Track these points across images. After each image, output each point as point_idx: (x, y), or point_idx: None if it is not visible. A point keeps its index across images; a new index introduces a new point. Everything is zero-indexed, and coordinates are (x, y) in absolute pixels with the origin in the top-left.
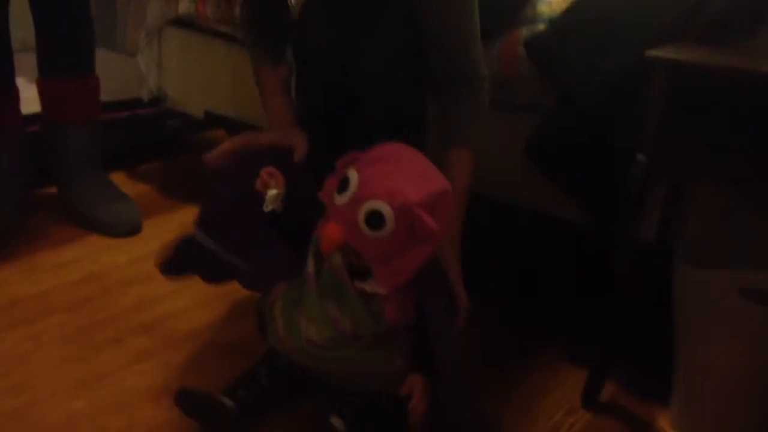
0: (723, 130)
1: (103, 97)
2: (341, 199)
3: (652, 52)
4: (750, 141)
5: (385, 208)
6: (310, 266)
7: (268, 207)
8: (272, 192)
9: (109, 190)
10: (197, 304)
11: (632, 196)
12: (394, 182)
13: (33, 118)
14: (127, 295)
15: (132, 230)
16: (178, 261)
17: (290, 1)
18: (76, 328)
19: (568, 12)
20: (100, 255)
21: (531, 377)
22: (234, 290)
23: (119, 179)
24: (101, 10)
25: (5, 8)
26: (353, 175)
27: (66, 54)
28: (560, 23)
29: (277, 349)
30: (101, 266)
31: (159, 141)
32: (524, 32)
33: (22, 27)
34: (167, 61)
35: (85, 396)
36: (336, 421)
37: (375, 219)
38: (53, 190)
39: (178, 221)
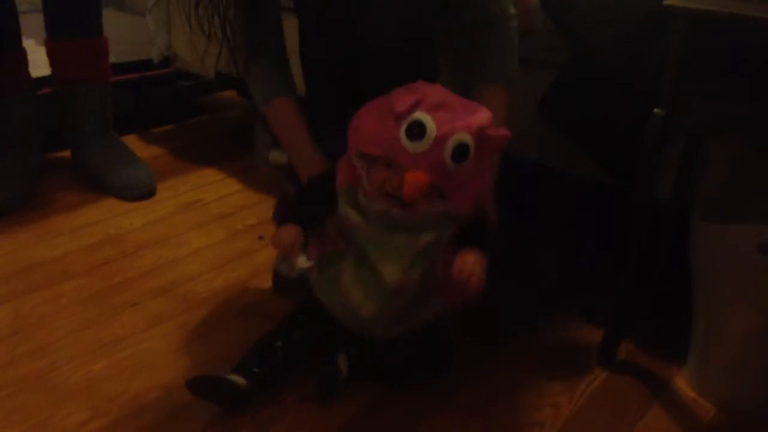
0: (743, 79)
1: (113, 58)
2: (420, 145)
3: (670, 1)
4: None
5: (469, 139)
6: (354, 216)
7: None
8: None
9: (122, 153)
10: (213, 267)
11: (650, 151)
12: (462, 117)
13: (44, 80)
14: (143, 258)
15: (147, 193)
16: None
17: None
18: (94, 291)
19: None
20: (116, 218)
21: (547, 336)
22: (250, 252)
23: (131, 142)
24: None
25: None
26: (426, 118)
27: (73, 15)
28: None
29: (343, 322)
30: (117, 230)
31: (170, 102)
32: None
33: None
34: (176, 20)
35: (104, 359)
36: (341, 360)
37: (461, 151)
38: (66, 153)
39: (192, 183)
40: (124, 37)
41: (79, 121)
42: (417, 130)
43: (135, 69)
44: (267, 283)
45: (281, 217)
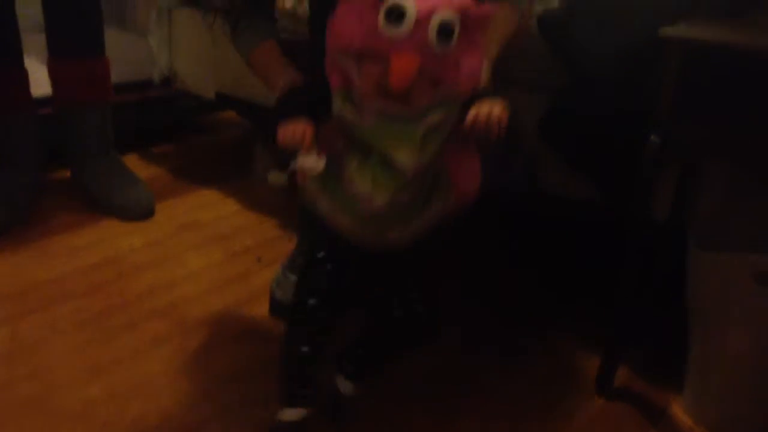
0: (738, 108)
1: (114, 78)
2: (399, 29)
3: (666, 31)
4: (765, 118)
5: (452, 15)
6: (351, 113)
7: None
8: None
9: (122, 173)
10: (211, 289)
11: (645, 176)
12: None
13: (45, 100)
14: (141, 280)
15: (145, 214)
16: None
17: None
18: (91, 313)
19: None
20: (114, 239)
21: (544, 363)
22: (248, 275)
23: (131, 161)
24: None
25: None
26: (405, 0)
27: (75, 35)
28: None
29: (333, 222)
30: (115, 250)
31: (170, 122)
32: (537, 7)
33: (35, 6)
34: (177, 42)
35: (100, 381)
36: (341, 382)
37: (447, 30)
38: (66, 173)
39: (190, 204)
40: (126, 56)
41: (79, 141)
42: (396, 14)
43: (136, 89)
44: (264, 306)
45: (284, 113)
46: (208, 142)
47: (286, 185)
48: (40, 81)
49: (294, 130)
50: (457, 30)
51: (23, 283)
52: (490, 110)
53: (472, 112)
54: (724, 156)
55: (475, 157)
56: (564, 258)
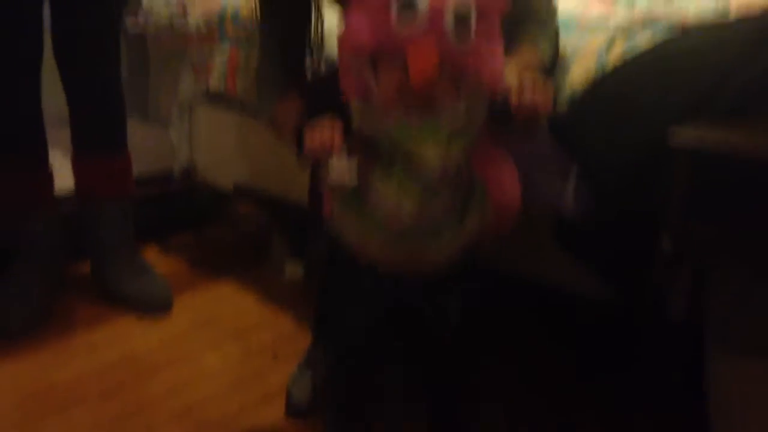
0: (751, 212)
1: (136, 170)
2: (413, 24)
3: (673, 135)
4: None
5: (468, 4)
6: (368, 126)
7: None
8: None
9: (140, 268)
10: (228, 389)
11: (659, 278)
12: None
13: (68, 195)
14: (157, 381)
15: (163, 308)
16: None
17: None
18: (108, 417)
19: (588, 91)
20: (132, 336)
21: None
22: (264, 373)
23: (150, 253)
24: (133, 79)
25: (37, 91)
26: None
27: (100, 132)
28: (581, 103)
29: (364, 252)
30: (133, 348)
31: (190, 214)
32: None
33: (61, 98)
34: (198, 135)
35: None
36: None
37: (463, 19)
38: (86, 266)
39: (208, 297)
40: (147, 148)
41: (100, 235)
42: (409, 6)
43: (157, 182)
44: (280, 406)
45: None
46: (226, 232)
47: (302, 278)
48: (63, 175)
49: (322, 133)
50: (474, 19)
51: (40, 384)
52: (534, 82)
53: (514, 85)
54: (738, 259)
55: (510, 165)
56: (581, 355)
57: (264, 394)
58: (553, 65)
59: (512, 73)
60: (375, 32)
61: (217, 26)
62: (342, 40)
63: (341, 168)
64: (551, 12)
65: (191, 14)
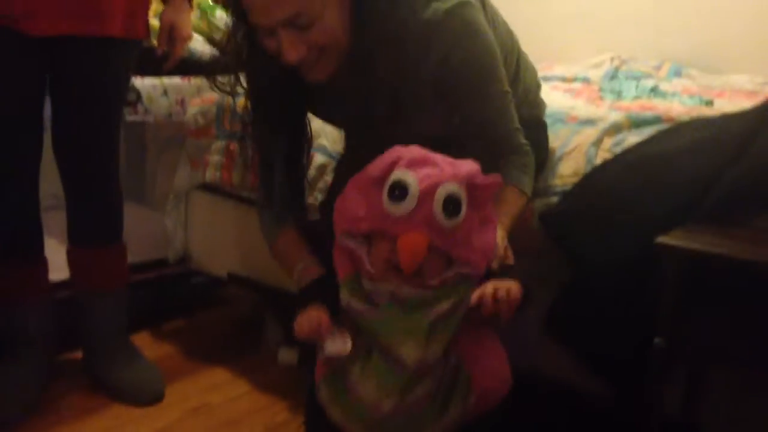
0: (739, 314)
1: (130, 257)
2: (404, 206)
3: (661, 240)
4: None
5: (457, 189)
6: (359, 304)
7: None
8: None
9: (132, 358)
10: None
11: (653, 377)
12: (445, 169)
13: (62, 283)
14: None
15: (154, 399)
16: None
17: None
18: None
19: (579, 186)
20: (123, 427)
21: None
22: None
23: (143, 339)
24: (131, 164)
25: (35, 181)
26: (406, 174)
27: (96, 226)
28: (573, 198)
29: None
30: None
31: (183, 299)
32: (537, 204)
33: (56, 182)
34: (193, 223)
35: None
36: None
37: (453, 203)
38: (78, 353)
39: (200, 384)
40: (143, 233)
41: (93, 326)
42: (399, 191)
43: (151, 268)
44: None
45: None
46: (219, 317)
47: (296, 363)
48: (57, 263)
49: (309, 320)
50: (464, 202)
51: None
52: (496, 290)
53: (477, 292)
54: (730, 361)
55: (498, 349)
56: None
57: None
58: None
59: (501, 243)
60: (369, 213)
61: (214, 120)
62: (337, 216)
63: (334, 342)
64: (518, 138)
65: (189, 108)
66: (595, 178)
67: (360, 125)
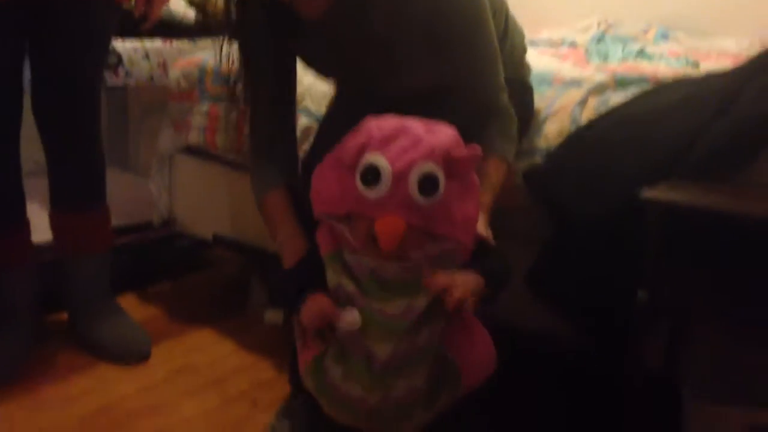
0: (722, 267)
1: (115, 220)
2: (378, 190)
3: (646, 193)
4: (748, 278)
5: (434, 167)
6: (349, 286)
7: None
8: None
9: (117, 318)
10: None
11: (636, 330)
12: (420, 144)
13: (45, 246)
14: (136, 430)
15: (140, 358)
16: None
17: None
18: None
19: (564, 146)
20: (109, 385)
21: None
22: (243, 420)
23: (128, 301)
24: (114, 130)
25: (15, 146)
26: (377, 158)
27: (77, 189)
28: (557, 157)
29: (338, 419)
30: (110, 398)
31: (168, 262)
32: (521, 164)
33: (39, 148)
34: (177, 187)
35: None
36: None
37: (429, 182)
38: (64, 315)
39: (186, 345)
40: (126, 198)
41: (77, 287)
42: (371, 175)
43: (135, 231)
44: None
45: (294, 294)
46: (204, 279)
47: (281, 323)
48: (40, 227)
49: (314, 310)
50: (441, 179)
51: None
52: (448, 282)
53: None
54: (711, 315)
55: (482, 331)
56: (558, 402)
57: None
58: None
59: (482, 223)
60: (344, 197)
61: (197, 83)
62: (314, 199)
63: (345, 319)
64: (503, 99)
65: (171, 70)
66: (580, 136)
67: (351, 77)
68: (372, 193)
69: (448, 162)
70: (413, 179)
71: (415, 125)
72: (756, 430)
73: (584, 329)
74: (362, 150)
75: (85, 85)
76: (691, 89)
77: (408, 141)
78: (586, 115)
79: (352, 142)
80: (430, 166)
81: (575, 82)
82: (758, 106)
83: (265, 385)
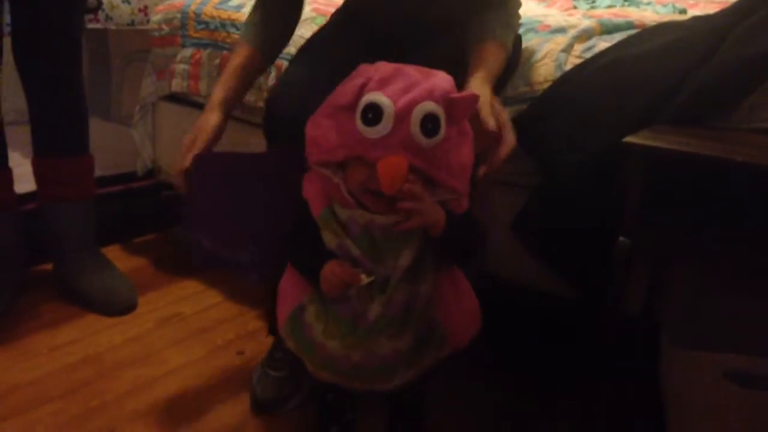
0: (702, 213)
1: (98, 170)
2: (379, 129)
3: (627, 139)
4: (729, 223)
5: (435, 107)
6: (354, 249)
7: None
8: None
9: (103, 268)
10: (192, 386)
11: (617, 276)
12: (419, 85)
13: (29, 195)
14: (122, 379)
15: (126, 308)
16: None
17: None
18: (70, 416)
19: (548, 93)
20: (96, 335)
21: None
22: (229, 369)
23: (113, 252)
24: (96, 79)
25: None
26: (378, 96)
27: (61, 134)
28: (541, 104)
29: (319, 377)
30: (96, 348)
31: (153, 212)
32: (508, 112)
33: (20, 97)
34: (161, 135)
35: None
36: None
37: (431, 122)
38: (49, 266)
39: (172, 296)
40: (110, 147)
41: (62, 236)
42: (372, 113)
43: (119, 181)
44: (245, 403)
45: (305, 264)
46: None
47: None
48: (23, 175)
49: (338, 279)
50: (443, 121)
51: (4, 384)
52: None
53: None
54: (691, 259)
55: (468, 290)
56: (541, 350)
57: (229, 391)
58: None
59: (485, 105)
60: (344, 141)
61: (180, 28)
62: (311, 148)
63: (363, 280)
64: None
65: (153, 15)
66: (565, 83)
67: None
68: (373, 133)
69: (448, 103)
70: (415, 119)
71: (411, 69)
72: (731, 375)
73: (568, 276)
74: (361, 90)
75: (65, 26)
76: (678, 33)
77: (407, 81)
78: (572, 61)
79: (349, 83)
80: (432, 106)
81: (561, 30)
82: (742, 49)
83: (251, 335)
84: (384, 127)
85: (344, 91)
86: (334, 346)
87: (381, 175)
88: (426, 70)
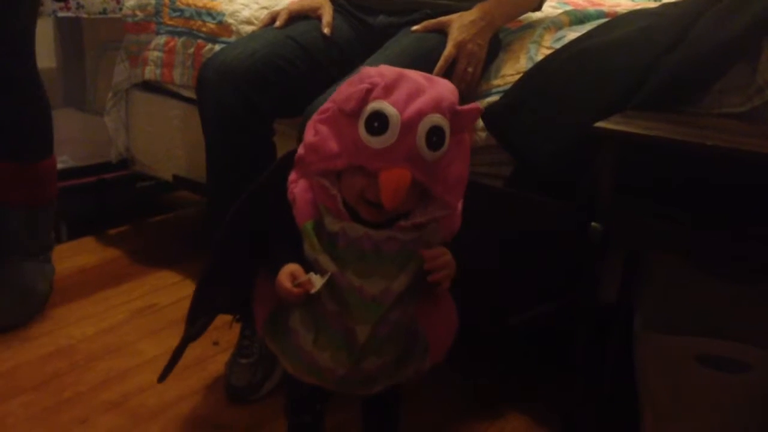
0: (674, 199)
1: (73, 161)
2: (384, 139)
3: (600, 124)
4: (702, 208)
5: (442, 120)
6: (328, 264)
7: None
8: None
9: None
10: None
11: (590, 263)
12: (425, 93)
13: None
14: (94, 370)
15: (6, 327)
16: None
17: None
18: (42, 408)
19: (520, 84)
20: (68, 327)
21: None
22: (204, 359)
23: (87, 244)
24: (69, 69)
25: None
26: (384, 105)
27: (8, 138)
28: (513, 95)
29: (300, 378)
30: (68, 339)
31: (128, 204)
32: (480, 104)
33: None
34: (134, 125)
35: None
36: None
37: (436, 135)
38: None
39: (147, 287)
40: (85, 137)
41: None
42: (378, 122)
43: (93, 172)
44: (220, 392)
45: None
46: (165, 221)
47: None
48: None
49: (285, 292)
50: (448, 134)
51: None
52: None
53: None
54: (665, 246)
55: (448, 300)
56: (516, 341)
57: (203, 381)
58: None
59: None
60: (344, 147)
61: (153, 14)
62: (311, 155)
63: (316, 280)
64: None
65: (126, 1)
66: (535, 73)
67: None
68: (376, 143)
69: (454, 115)
70: (422, 131)
71: (414, 74)
72: (703, 359)
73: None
74: (366, 96)
75: (6, 25)
76: (647, 20)
77: (412, 88)
78: (543, 52)
79: (353, 89)
80: (438, 119)
81: (530, 26)
82: (713, 33)
83: (226, 326)
84: (389, 138)
85: (347, 96)
86: (324, 358)
87: (383, 188)
88: (428, 76)
